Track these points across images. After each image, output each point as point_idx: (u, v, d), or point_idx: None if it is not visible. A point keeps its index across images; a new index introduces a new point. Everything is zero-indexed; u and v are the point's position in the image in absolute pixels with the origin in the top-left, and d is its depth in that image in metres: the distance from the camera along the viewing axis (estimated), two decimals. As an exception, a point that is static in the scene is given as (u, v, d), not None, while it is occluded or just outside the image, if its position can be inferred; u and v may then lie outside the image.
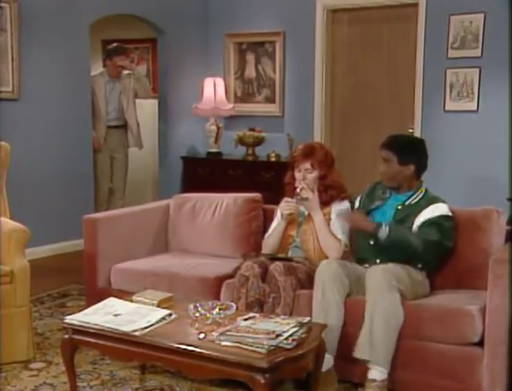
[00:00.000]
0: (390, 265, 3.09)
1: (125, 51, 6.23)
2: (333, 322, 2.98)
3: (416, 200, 3.30)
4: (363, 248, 3.36)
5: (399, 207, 3.30)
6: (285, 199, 3.53)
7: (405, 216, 3.27)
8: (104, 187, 6.31)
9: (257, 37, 6.60)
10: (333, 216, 3.46)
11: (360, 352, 2.92)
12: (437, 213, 3.21)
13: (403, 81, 6.05)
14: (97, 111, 6.10)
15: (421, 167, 3.34)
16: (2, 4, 5.09)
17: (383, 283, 2.95)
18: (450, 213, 3.24)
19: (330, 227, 3.43)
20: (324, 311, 3.02)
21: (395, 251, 3.17)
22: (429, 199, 3.28)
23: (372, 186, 3.49)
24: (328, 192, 3.47)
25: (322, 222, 3.40)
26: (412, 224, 3.22)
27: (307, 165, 3.46)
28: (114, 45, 6.26)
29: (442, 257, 3.25)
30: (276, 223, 3.58)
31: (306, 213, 3.48)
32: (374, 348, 2.88)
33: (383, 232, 3.15)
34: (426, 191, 3.35)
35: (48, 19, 5.40)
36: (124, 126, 6.32)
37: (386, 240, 3.15)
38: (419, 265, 3.20)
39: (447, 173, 5.78)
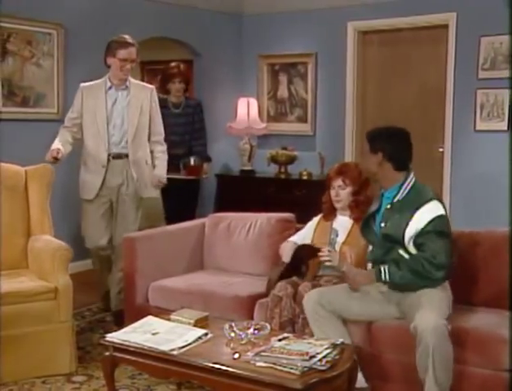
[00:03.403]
0: (433, 306, 2.89)
1: (134, 44, 4.23)
2: None
3: (404, 195, 3.10)
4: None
5: (388, 206, 3.13)
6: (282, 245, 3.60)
7: (393, 215, 3.08)
8: (91, 247, 4.38)
9: (289, 58, 6.69)
10: None
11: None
12: (430, 217, 2.98)
13: (434, 101, 6.08)
14: (94, 130, 4.23)
15: (392, 155, 3.10)
16: (50, 30, 5.30)
17: (438, 330, 2.76)
18: (442, 212, 3.02)
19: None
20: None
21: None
22: (417, 193, 3.07)
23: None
24: (360, 208, 3.52)
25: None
26: (407, 225, 3.00)
27: (340, 182, 3.55)
28: (118, 36, 4.25)
29: (451, 255, 3.02)
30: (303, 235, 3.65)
31: (339, 238, 3.54)
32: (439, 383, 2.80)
33: (384, 276, 3.03)
34: (415, 182, 3.13)
35: (91, 42, 5.53)
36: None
37: (394, 281, 3.03)
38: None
39: (477, 192, 5.80)
